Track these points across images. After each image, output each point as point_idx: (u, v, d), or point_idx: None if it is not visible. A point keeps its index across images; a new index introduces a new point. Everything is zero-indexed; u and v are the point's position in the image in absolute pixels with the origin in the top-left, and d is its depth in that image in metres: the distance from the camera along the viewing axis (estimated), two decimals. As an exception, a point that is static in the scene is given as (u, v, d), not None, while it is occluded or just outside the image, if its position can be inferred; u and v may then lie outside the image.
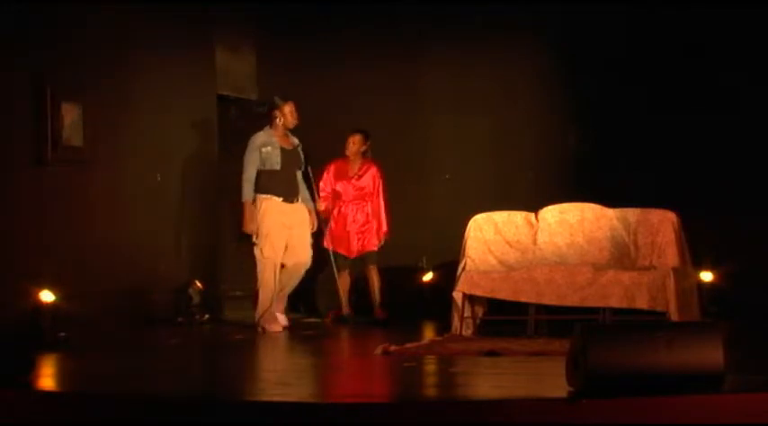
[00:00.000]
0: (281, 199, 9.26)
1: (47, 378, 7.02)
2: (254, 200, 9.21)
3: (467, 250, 8.98)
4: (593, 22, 10.19)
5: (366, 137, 10.06)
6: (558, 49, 10.49)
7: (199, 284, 9.96)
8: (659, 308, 8.24)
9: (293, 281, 9.50)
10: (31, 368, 6.97)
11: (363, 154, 10.08)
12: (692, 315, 8.49)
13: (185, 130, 10.36)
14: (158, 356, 8.11)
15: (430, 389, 6.69)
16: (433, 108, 10.94)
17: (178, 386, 6.49)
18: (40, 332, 8.11)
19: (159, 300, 9.86)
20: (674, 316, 8.17)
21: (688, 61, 10.02)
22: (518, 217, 9.11)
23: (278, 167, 9.23)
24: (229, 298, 10.97)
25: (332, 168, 10.12)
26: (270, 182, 9.23)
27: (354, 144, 10.04)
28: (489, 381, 6.58)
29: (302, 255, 9.40)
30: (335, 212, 10.05)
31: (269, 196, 9.23)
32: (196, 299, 9.94)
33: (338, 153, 10.10)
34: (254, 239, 9.26)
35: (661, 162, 10.03)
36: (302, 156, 9.46)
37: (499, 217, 9.12)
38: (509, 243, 9.04)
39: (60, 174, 8.94)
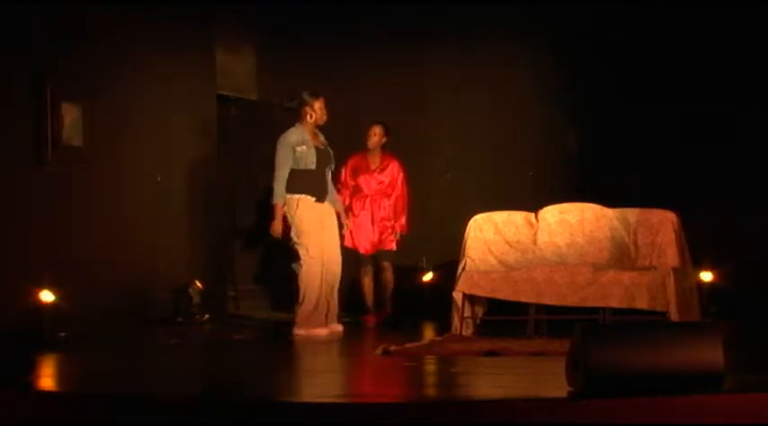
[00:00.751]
0: (314, 199, 8.98)
1: (47, 378, 7.02)
2: (285, 202, 8.92)
3: (467, 250, 8.98)
4: (593, 23, 10.20)
5: (387, 129, 9.94)
6: (558, 49, 10.49)
7: (199, 284, 9.96)
8: (659, 308, 8.24)
9: (334, 289, 9.10)
10: (31, 368, 6.98)
11: (383, 147, 9.98)
12: (692, 315, 8.49)
13: (185, 130, 10.36)
14: (158, 356, 8.11)
15: (430, 389, 6.68)
16: (433, 107, 10.94)
17: (178, 386, 6.49)
18: (40, 332, 8.12)
19: (159, 300, 9.86)
20: (674, 316, 8.18)
21: (688, 61, 10.02)
22: (518, 217, 9.11)
23: (314, 166, 8.96)
24: (229, 298, 10.98)
25: (350, 163, 9.96)
26: (304, 182, 8.94)
27: (375, 135, 9.89)
28: (489, 381, 6.58)
29: (335, 258, 9.08)
30: (357, 207, 9.87)
31: (303, 196, 8.92)
32: (196, 299, 9.94)
33: (339, 152, 10.07)
34: (294, 239, 8.90)
35: (661, 162, 10.04)
36: (332, 155, 9.21)
37: (499, 217, 9.12)
38: (509, 243, 9.04)
39: (60, 174, 8.93)
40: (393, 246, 9.92)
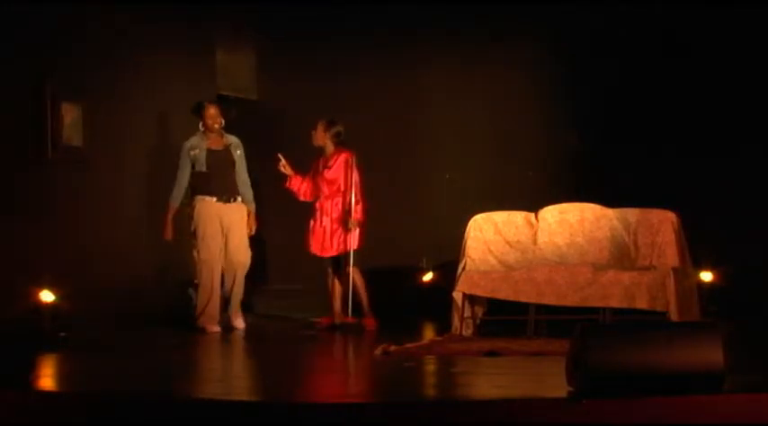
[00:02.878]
0: (214, 198, 9.24)
1: (47, 378, 7.02)
2: (192, 203, 9.24)
3: (467, 250, 8.97)
4: (593, 23, 10.20)
5: (327, 124, 9.41)
6: (558, 50, 10.49)
7: (199, 284, 9.94)
8: (659, 308, 8.24)
9: (237, 287, 9.34)
10: (31, 368, 6.98)
11: (336, 144, 9.41)
12: (692, 315, 8.48)
13: (185, 130, 10.35)
14: (158, 356, 8.11)
15: (430, 389, 6.69)
16: (432, 108, 10.95)
17: (178, 387, 6.49)
18: (40, 332, 8.12)
19: (159, 300, 9.85)
20: (674, 316, 8.17)
21: (688, 61, 10.02)
22: (518, 217, 9.11)
23: (204, 168, 9.23)
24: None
25: (314, 165, 9.58)
26: (201, 183, 9.25)
27: (315, 131, 9.44)
28: (489, 381, 6.58)
29: (239, 257, 9.30)
30: (313, 210, 9.47)
31: (202, 197, 9.23)
32: (196, 299, 9.92)
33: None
34: (192, 240, 9.26)
35: (661, 162, 10.04)
36: (236, 155, 9.32)
37: (499, 217, 9.12)
38: (509, 243, 9.04)
39: (60, 174, 8.94)
40: (351, 246, 9.31)
